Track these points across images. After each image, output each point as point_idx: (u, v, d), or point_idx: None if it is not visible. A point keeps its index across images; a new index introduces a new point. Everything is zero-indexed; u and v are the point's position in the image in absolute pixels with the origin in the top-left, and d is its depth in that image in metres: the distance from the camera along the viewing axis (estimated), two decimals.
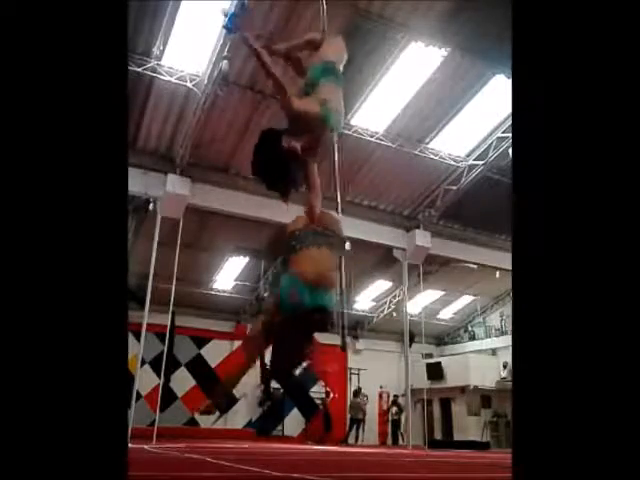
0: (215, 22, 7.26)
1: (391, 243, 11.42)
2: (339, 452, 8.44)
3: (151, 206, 9.41)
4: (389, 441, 15.66)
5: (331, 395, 15.78)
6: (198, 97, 8.18)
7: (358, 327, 16.84)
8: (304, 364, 2.31)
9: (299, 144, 2.36)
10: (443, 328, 17.96)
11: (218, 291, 14.24)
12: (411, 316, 12.76)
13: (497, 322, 16.42)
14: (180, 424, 13.47)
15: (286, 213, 2.64)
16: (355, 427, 14.65)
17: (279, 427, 15.06)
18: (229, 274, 13.74)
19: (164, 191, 9.09)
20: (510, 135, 8.93)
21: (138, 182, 8.73)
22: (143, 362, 10.26)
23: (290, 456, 6.15)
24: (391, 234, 11.35)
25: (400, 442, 14.86)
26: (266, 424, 14.60)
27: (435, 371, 15.46)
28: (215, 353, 14.76)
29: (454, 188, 10.78)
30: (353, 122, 9.35)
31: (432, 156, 10.21)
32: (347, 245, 11.40)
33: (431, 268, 13.47)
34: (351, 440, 14.42)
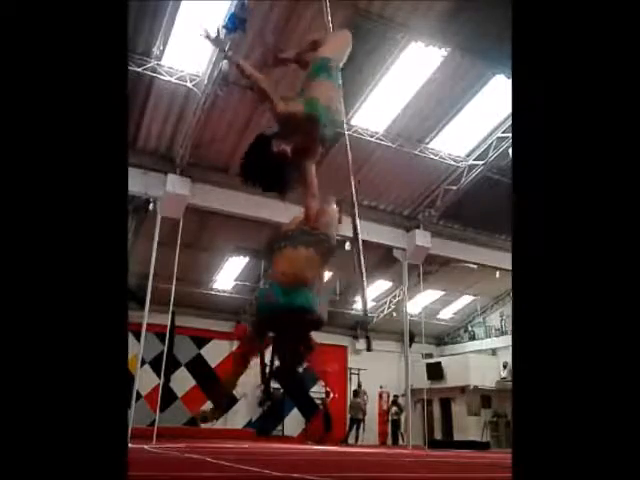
0: (215, 22, 7.26)
1: (391, 243, 11.42)
2: (339, 452, 8.44)
3: (151, 206, 9.41)
4: (389, 441, 15.66)
5: (331, 395, 15.78)
6: (198, 97, 8.18)
7: (358, 327, 16.84)
8: (304, 365, 2.30)
9: (289, 146, 2.41)
10: (443, 328, 17.96)
11: (218, 291, 14.24)
12: (411, 316, 12.76)
13: (497, 322, 16.42)
14: (180, 424, 13.46)
15: (285, 212, 2.64)
16: (355, 427, 14.66)
17: (279, 427, 15.06)
18: (229, 274, 13.74)
19: (164, 191, 9.09)
20: (510, 135, 8.93)
21: (138, 182, 8.73)
22: (143, 362, 10.25)
23: (290, 456, 6.15)
24: (391, 234, 11.35)
25: (400, 442, 14.86)
26: (266, 424, 14.59)
27: (435, 371, 15.46)
28: (215, 353, 14.75)
29: (454, 188, 10.78)
30: (353, 122, 9.34)
31: (432, 156, 10.21)
32: (347, 245, 11.43)
33: (431, 268, 13.47)
34: (351, 440, 14.42)
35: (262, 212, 9.36)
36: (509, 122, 9.17)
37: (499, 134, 9.82)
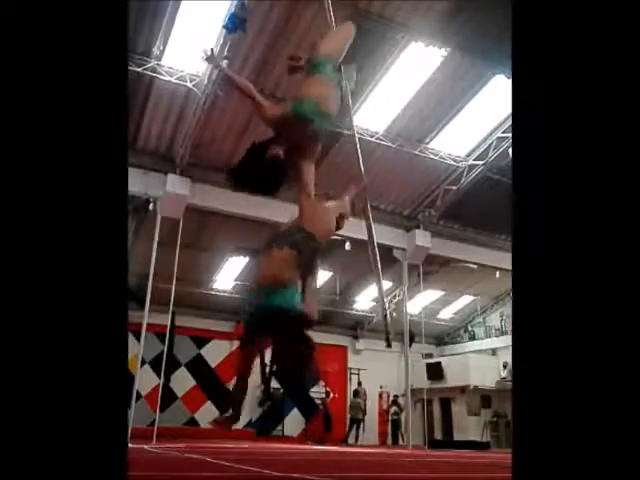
0: (215, 22, 7.26)
1: (391, 243, 11.41)
2: (339, 452, 8.44)
3: (151, 206, 9.42)
4: (389, 441, 15.66)
5: (331, 395, 15.78)
6: (198, 97, 8.18)
7: (358, 327, 16.84)
8: (311, 366, 2.27)
9: (282, 148, 2.42)
10: (443, 328, 17.96)
11: (218, 291, 14.24)
12: (411, 316, 12.76)
13: (497, 322, 16.42)
14: (180, 424, 13.47)
15: (284, 212, 2.64)
16: (355, 427, 14.66)
17: (279, 427, 15.06)
18: (229, 274, 13.74)
19: (164, 191, 9.09)
20: (510, 135, 8.93)
21: (138, 182, 8.73)
22: (143, 362, 10.25)
23: (290, 456, 6.15)
24: (391, 234, 11.34)
25: (400, 442, 14.86)
26: (266, 424, 14.59)
27: (435, 371, 15.46)
28: (215, 353, 14.76)
29: (454, 188, 10.78)
30: (353, 122, 9.34)
31: (432, 156, 10.21)
32: (347, 245, 11.43)
33: (431, 268, 13.47)
34: (351, 440, 14.43)
35: (262, 212, 9.35)
36: (509, 122, 9.16)
37: (499, 134, 9.82)
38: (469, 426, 14.74)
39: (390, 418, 15.59)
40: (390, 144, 9.76)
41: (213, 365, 14.73)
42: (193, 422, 14.07)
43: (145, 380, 11.29)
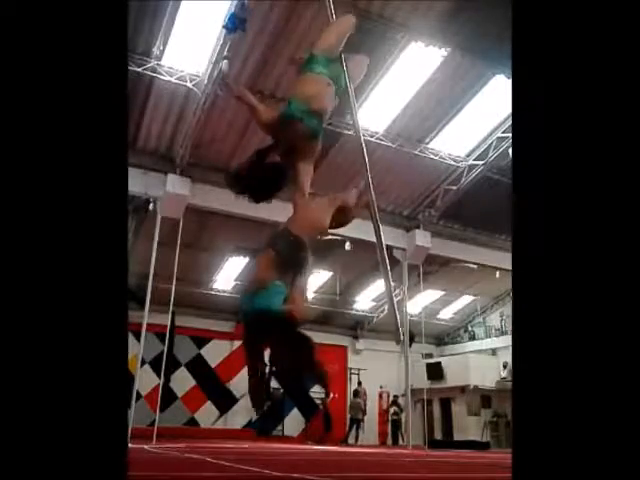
0: (215, 22, 7.26)
1: (391, 243, 11.40)
2: (339, 452, 8.44)
3: (151, 206, 9.42)
4: (389, 441, 15.66)
5: (331, 395, 15.78)
6: (198, 97, 8.18)
7: (358, 327, 16.84)
8: (315, 365, 2.26)
9: (280, 152, 2.44)
10: (443, 328, 17.96)
11: (218, 291, 14.24)
12: (411, 316, 12.76)
13: (497, 322, 16.42)
14: (180, 424, 13.48)
15: (284, 212, 2.64)
16: (355, 427, 14.66)
17: (279, 427, 15.07)
18: (229, 274, 13.75)
19: (164, 191, 9.09)
20: (510, 135, 8.93)
21: (138, 182, 8.73)
22: (143, 362, 10.26)
23: (290, 456, 6.15)
24: (391, 234, 11.33)
25: (400, 442, 14.86)
26: (266, 424, 14.60)
27: (435, 371, 15.46)
28: (215, 353, 14.77)
29: (454, 188, 10.78)
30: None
31: (432, 156, 10.21)
32: (347, 245, 11.43)
33: (431, 268, 13.48)
34: (351, 440, 14.43)
35: (262, 212, 9.33)
36: (509, 122, 9.16)
37: (499, 134, 9.82)
38: (469, 426, 14.75)
39: (390, 418, 15.59)
40: (390, 144, 9.76)
41: (213, 365, 14.74)
42: (193, 422, 14.08)
43: (145, 380, 11.30)
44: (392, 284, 2.22)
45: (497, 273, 13.03)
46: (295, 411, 15.38)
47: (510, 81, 1.33)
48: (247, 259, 12.94)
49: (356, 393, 15.19)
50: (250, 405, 2.34)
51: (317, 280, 14.63)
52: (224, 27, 6.90)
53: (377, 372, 16.07)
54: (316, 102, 2.54)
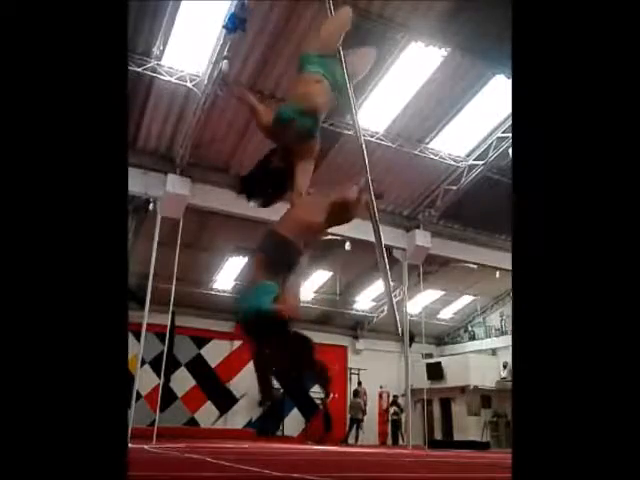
0: (215, 22, 7.26)
1: (391, 243, 11.41)
2: (339, 452, 8.44)
3: (151, 206, 9.41)
4: (389, 441, 15.66)
5: (331, 395, 15.78)
6: (198, 97, 8.18)
7: (358, 327, 16.84)
8: (314, 364, 2.26)
9: (281, 154, 2.45)
10: (443, 328, 17.96)
11: (218, 291, 14.23)
12: (411, 316, 12.76)
13: (497, 322, 16.42)
14: (180, 424, 13.47)
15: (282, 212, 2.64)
16: (355, 427, 14.66)
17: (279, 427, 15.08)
18: (229, 274, 13.75)
19: (164, 191, 9.09)
20: (510, 135, 8.93)
21: (138, 182, 8.73)
22: (143, 362, 10.26)
23: (290, 456, 6.15)
24: (391, 234, 11.34)
25: (400, 442, 14.86)
26: (266, 424, 14.60)
27: (435, 371, 15.46)
28: (215, 353, 14.76)
29: (454, 188, 10.78)
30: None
31: (432, 156, 10.21)
32: (347, 245, 11.43)
33: (431, 268, 13.48)
34: (351, 440, 14.43)
35: (262, 212, 9.31)
36: (509, 122, 9.16)
37: (499, 134, 9.82)
38: (469, 426, 14.75)
39: (390, 418, 15.59)
40: (390, 144, 9.76)
41: (213, 365, 14.73)
42: (193, 422, 14.07)
43: (145, 380, 11.29)
44: (391, 283, 2.20)
45: (497, 273, 13.03)
46: (295, 411, 15.38)
47: (510, 81, 1.33)
48: (247, 259, 12.94)
49: (356, 393, 15.19)
50: (249, 405, 2.34)
51: (317, 280, 14.64)
52: (224, 27, 6.91)
53: (377, 372, 16.07)
54: (307, 101, 2.53)
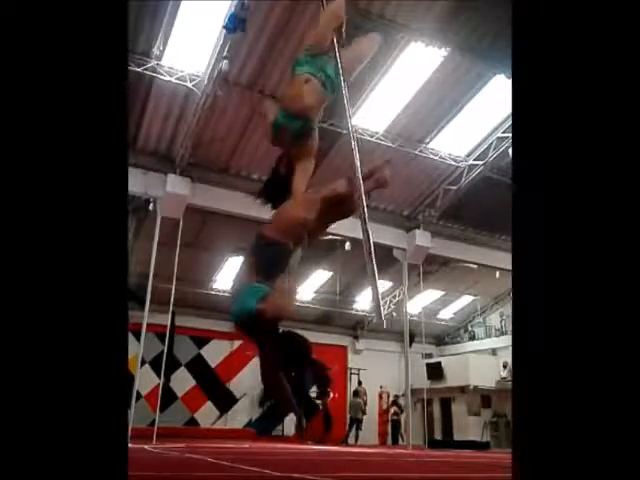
0: (215, 22, 7.26)
1: (391, 243, 11.41)
2: (339, 452, 8.44)
3: (151, 206, 9.41)
4: (389, 441, 15.66)
5: (331, 395, 15.77)
6: (198, 97, 8.18)
7: (358, 327, 16.84)
8: (311, 362, 2.26)
9: (282, 160, 2.49)
10: (443, 328, 17.96)
11: (218, 291, 14.23)
12: (411, 316, 12.76)
13: (497, 322, 16.42)
14: (180, 424, 13.47)
15: None
16: (355, 427, 14.66)
17: (279, 427, 15.07)
18: (229, 274, 13.73)
19: (164, 191, 9.09)
20: (510, 135, 8.93)
21: (138, 182, 8.73)
22: (143, 362, 10.25)
23: (290, 456, 6.15)
24: (391, 234, 11.34)
25: (400, 442, 14.86)
26: (266, 424, 14.59)
27: (435, 371, 15.46)
28: (215, 353, 14.75)
29: (454, 188, 10.78)
30: (353, 122, 9.32)
31: (432, 156, 10.21)
32: (347, 245, 11.43)
33: (431, 268, 13.48)
34: (351, 440, 14.42)
35: (262, 212, 9.32)
36: (509, 122, 9.16)
37: (499, 134, 9.81)
38: (469, 426, 14.74)
39: (390, 418, 15.58)
40: (390, 144, 9.76)
41: (213, 365, 14.73)
42: (193, 422, 14.07)
43: (145, 380, 11.29)
44: (376, 268, 2.20)
45: (497, 273, 13.03)
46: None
47: (510, 81, 1.33)
48: (240, 261, 12.92)
49: (356, 393, 15.19)
50: (249, 405, 2.35)
51: (317, 280, 14.63)
52: (224, 27, 6.91)
53: (377, 372, 16.07)
54: (294, 104, 2.54)
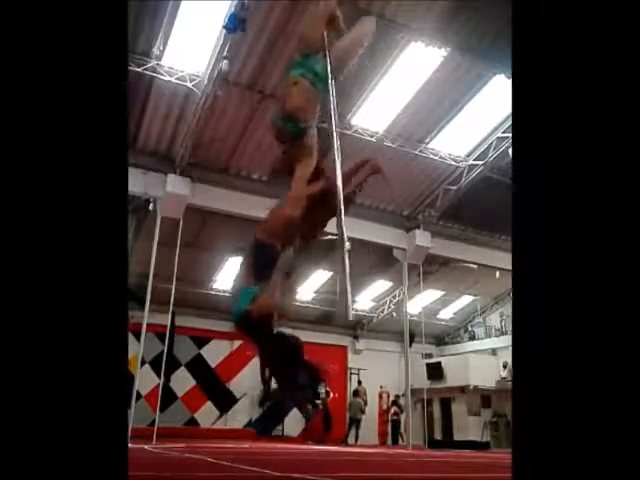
0: (215, 22, 7.26)
1: (391, 243, 11.42)
2: (339, 452, 8.44)
3: (151, 206, 9.41)
4: (389, 441, 15.66)
5: (331, 395, 15.77)
6: (198, 97, 8.18)
7: (358, 327, 16.84)
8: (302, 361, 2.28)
9: (282, 160, 2.52)
10: (443, 328, 17.96)
11: (218, 291, 14.22)
12: (411, 316, 12.76)
13: (497, 322, 16.42)
14: (180, 424, 13.47)
15: None
16: (355, 427, 14.66)
17: (279, 427, 15.07)
18: (229, 274, 13.73)
19: (164, 191, 9.09)
20: (510, 135, 8.93)
21: (138, 182, 8.74)
22: (143, 362, 10.25)
23: (290, 456, 6.15)
24: (391, 234, 11.34)
25: (400, 442, 14.86)
26: (266, 424, 14.59)
27: (435, 371, 15.46)
28: (215, 353, 14.75)
29: (454, 188, 10.78)
30: (353, 122, 9.34)
31: (432, 156, 10.21)
32: (348, 245, 11.43)
33: (431, 268, 13.47)
34: (350, 440, 14.42)
35: (262, 212, 9.32)
36: (509, 122, 9.16)
37: (499, 134, 9.82)
38: (469, 426, 14.74)
39: (390, 418, 15.58)
40: (390, 144, 9.76)
41: (213, 365, 14.72)
42: (193, 422, 14.07)
43: (145, 380, 11.29)
44: (348, 263, 2.24)
45: (497, 273, 13.03)
46: (295, 411, 15.38)
47: (510, 81, 1.33)
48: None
49: (356, 393, 15.19)
50: (249, 405, 2.37)
51: (317, 280, 14.63)
52: (224, 27, 6.91)
53: (377, 372, 16.07)
54: (285, 105, 2.57)
